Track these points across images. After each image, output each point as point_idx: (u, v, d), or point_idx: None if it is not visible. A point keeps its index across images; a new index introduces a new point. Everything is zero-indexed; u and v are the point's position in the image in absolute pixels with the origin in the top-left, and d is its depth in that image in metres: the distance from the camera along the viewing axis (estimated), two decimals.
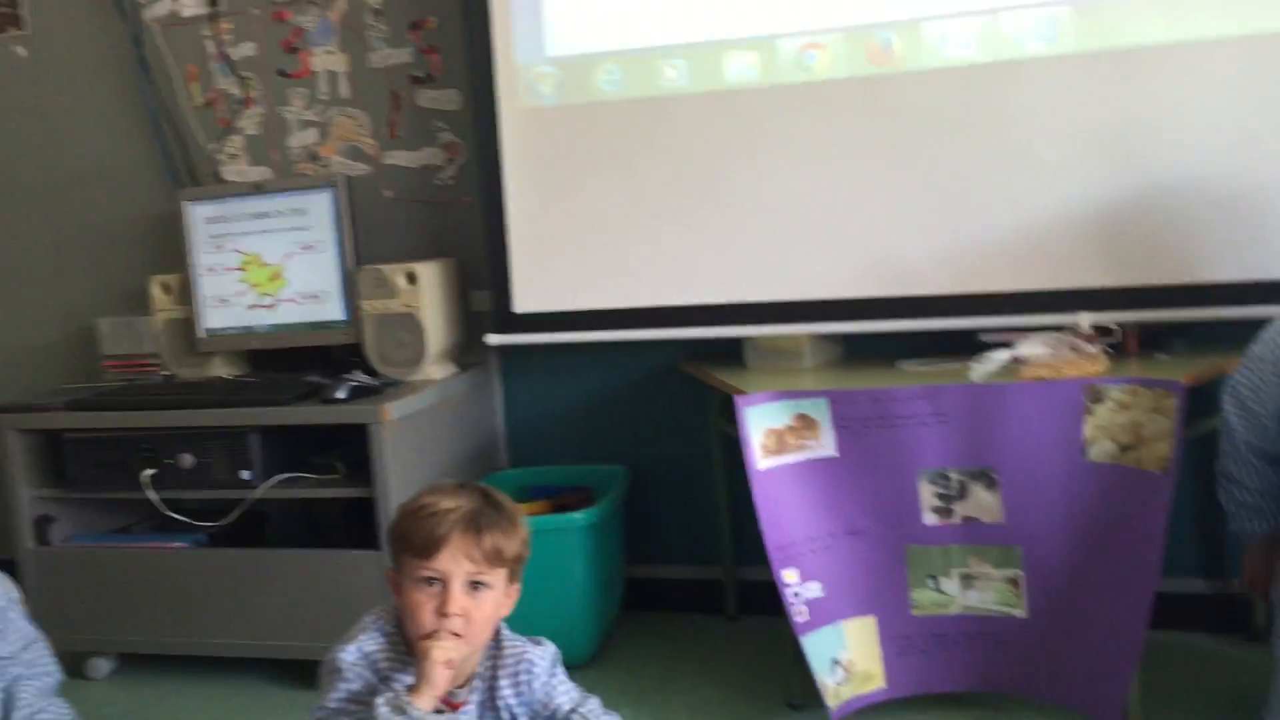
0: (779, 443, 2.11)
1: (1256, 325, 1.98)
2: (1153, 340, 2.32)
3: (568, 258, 2.63)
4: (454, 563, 1.61)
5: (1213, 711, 2.12)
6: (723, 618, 2.76)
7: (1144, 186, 2.24)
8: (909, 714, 2.18)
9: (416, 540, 1.62)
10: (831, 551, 2.13)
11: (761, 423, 2.11)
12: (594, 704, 1.75)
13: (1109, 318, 2.22)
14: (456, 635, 1.60)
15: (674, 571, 2.87)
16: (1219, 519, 2.46)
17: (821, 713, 2.13)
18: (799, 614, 2.10)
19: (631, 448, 2.85)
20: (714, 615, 2.78)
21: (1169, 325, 2.31)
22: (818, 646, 2.11)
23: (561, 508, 2.65)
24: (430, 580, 1.62)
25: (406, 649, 1.65)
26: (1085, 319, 2.23)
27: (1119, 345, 2.22)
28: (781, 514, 2.11)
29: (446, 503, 1.65)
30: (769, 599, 2.09)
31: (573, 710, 1.72)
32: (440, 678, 1.59)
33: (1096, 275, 2.28)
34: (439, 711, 1.62)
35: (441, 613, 1.60)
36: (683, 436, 2.81)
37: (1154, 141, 2.23)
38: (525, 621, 2.44)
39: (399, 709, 1.56)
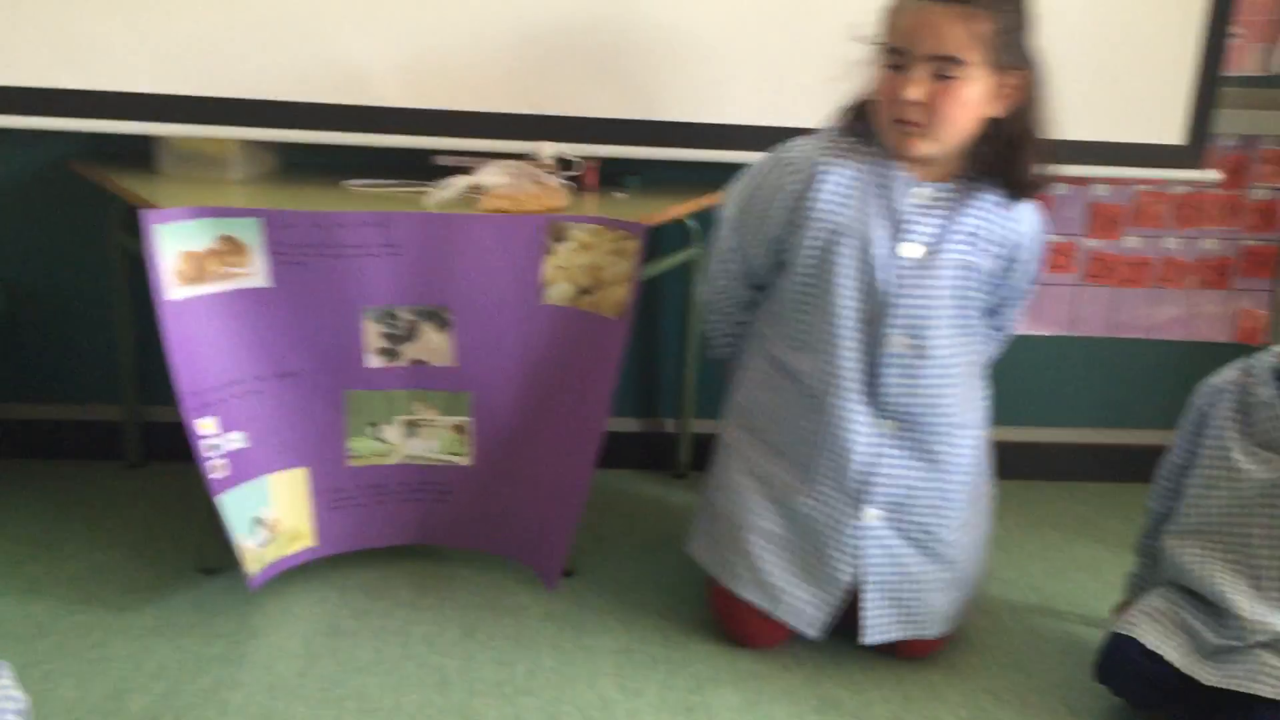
0: (199, 269, 1.75)
1: (709, 168, 1.95)
2: (609, 177, 2.24)
3: None
4: None
5: (643, 548, 2.15)
6: (123, 465, 2.37)
7: (613, 14, 2.11)
8: (340, 573, 1.98)
9: None
10: (258, 396, 1.84)
11: (176, 244, 1.73)
12: None
13: (573, 149, 2.10)
14: None
15: (62, 412, 2.39)
16: (653, 360, 2.50)
17: (239, 577, 1.87)
18: (216, 469, 1.80)
19: (8, 263, 2.31)
20: (112, 462, 2.37)
21: (625, 163, 2.24)
22: (237, 505, 1.83)
23: None
24: None
25: None
26: (548, 149, 2.08)
27: (578, 180, 2.11)
28: (199, 353, 1.77)
29: None
30: (181, 443, 1.77)
31: None
32: None
33: (563, 103, 2.13)
34: None
35: None
36: (75, 251, 2.31)
37: None
38: None
39: None
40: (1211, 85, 2.21)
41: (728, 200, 1.84)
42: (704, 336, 1.98)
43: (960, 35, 1.56)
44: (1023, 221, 1.73)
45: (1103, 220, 2.45)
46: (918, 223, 1.68)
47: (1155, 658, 1.59)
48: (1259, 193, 2.46)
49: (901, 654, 1.82)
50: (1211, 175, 2.28)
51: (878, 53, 1.64)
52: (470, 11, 2.08)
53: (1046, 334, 2.52)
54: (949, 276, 1.69)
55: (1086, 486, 2.56)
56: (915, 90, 1.58)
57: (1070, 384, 2.57)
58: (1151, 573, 1.80)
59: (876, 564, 1.76)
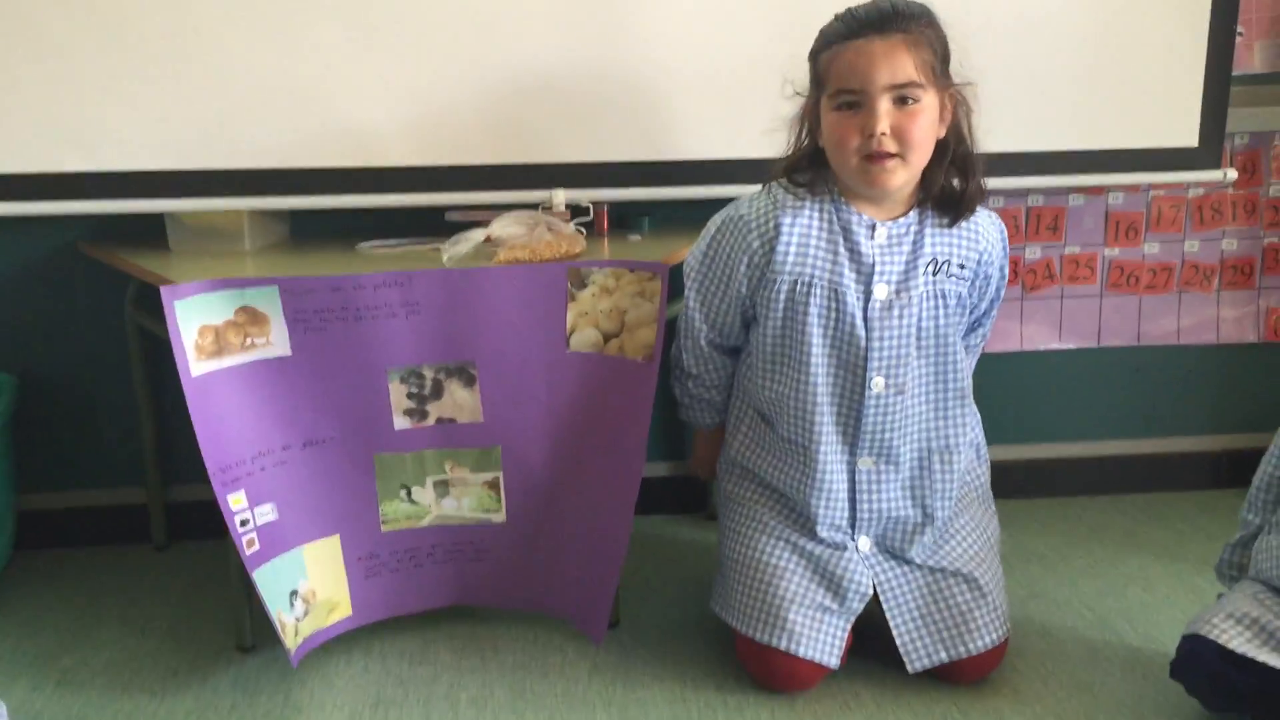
0: (218, 342, 1.73)
1: (719, 204, 1.93)
2: (619, 220, 2.22)
3: None
4: None
5: (685, 594, 2.10)
6: (150, 548, 2.33)
7: (614, 58, 2.10)
8: (380, 640, 1.94)
9: None
10: (286, 467, 1.80)
11: (195, 318, 1.71)
12: None
13: (584, 195, 2.08)
14: None
15: (83, 498, 2.36)
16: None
17: (279, 652, 1.83)
18: (249, 544, 1.76)
19: (19, 351, 2.28)
20: (138, 546, 2.33)
21: (635, 205, 2.22)
22: (273, 579, 1.79)
23: None
24: None
25: None
26: (560, 196, 2.07)
27: (591, 225, 2.09)
28: (223, 427, 1.74)
29: None
30: (207, 521, 1.74)
31: None
32: None
33: (569, 150, 2.12)
34: None
35: None
36: (88, 335, 2.29)
37: (626, 10, 2.08)
38: None
39: None
40: (1223, 84, 2.19)
41: (687, 272, 1.85)
42: (678, 400, 1.99)
43: (912, 62, 1.61)
44: (982, 236, 1.76)
45: (1122, 228, 2.43)
46: (884, 263, 1.71)
47: (1231, 659, 1.54)
48: (1277, 189, 2.43)
49: (959, 680, 1.77)
50: (1229, 175, 2.26)
51: (826, 100, 1.67)
52: (470, 65, 2.07)
53: (1073, 347, 2.49)
54: (921, 310, 1.72)
55: (1126, 499, 2.52)
56: (885, 122, 1.61)
57: (1101, 396, 2.53)
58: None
59: (888, 589, 1.77)
